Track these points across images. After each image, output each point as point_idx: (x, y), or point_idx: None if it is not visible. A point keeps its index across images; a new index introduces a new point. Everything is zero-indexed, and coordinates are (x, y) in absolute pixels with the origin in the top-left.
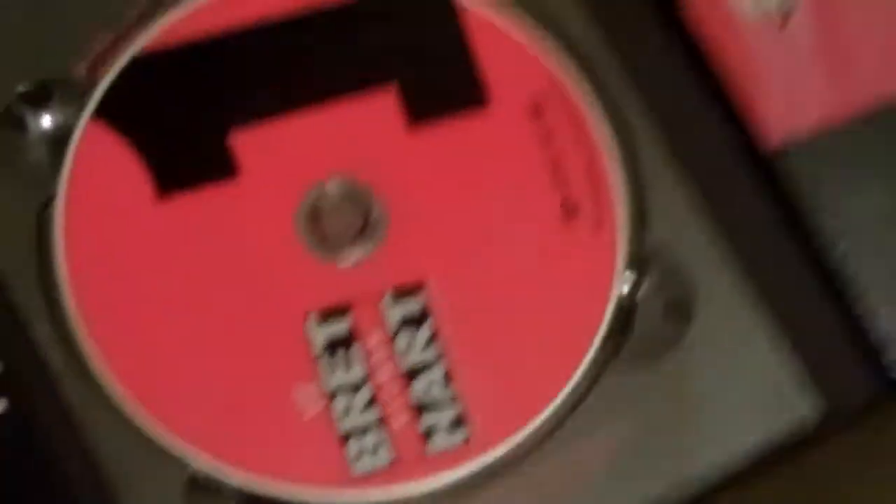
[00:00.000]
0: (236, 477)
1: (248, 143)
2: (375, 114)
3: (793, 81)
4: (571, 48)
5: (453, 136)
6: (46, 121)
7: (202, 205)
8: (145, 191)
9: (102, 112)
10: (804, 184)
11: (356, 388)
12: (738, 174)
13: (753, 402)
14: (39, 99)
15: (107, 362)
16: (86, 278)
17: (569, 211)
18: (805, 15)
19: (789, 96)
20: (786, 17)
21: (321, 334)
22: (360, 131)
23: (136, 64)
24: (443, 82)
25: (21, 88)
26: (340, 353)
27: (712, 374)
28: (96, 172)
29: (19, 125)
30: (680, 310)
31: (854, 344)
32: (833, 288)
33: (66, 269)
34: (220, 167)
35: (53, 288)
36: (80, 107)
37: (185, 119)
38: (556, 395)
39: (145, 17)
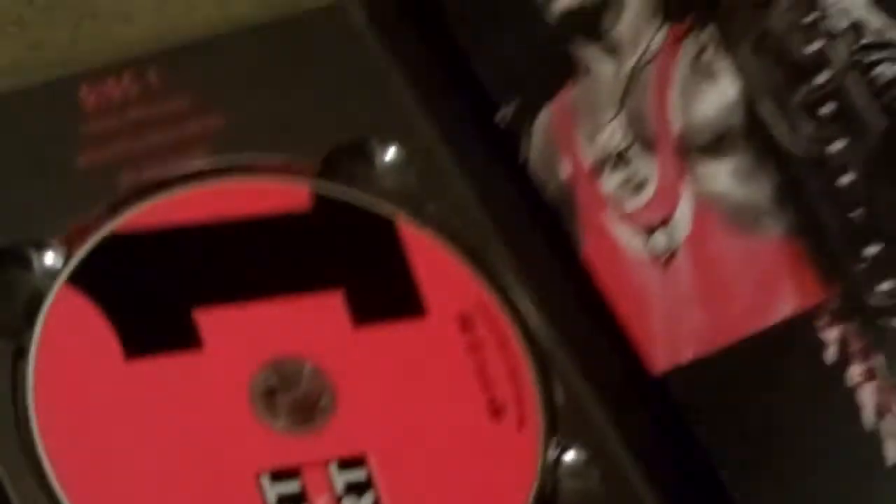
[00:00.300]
0: None
1: (211, 320)
2: (325, 311)
3: (675, 315)
4: (493, 277)
5: (394, 336)
6: (34, 265)
7: (166, 369)
8: (113, 351)
9: (76, 279)
10: (686, 403)
11: None
12: (631, 392)
13: None
14: (27, 250)
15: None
16: (54, 423)
17: (495, 410)
18: (685, 257)
19: (672, 328)
20: (670, 258)
21: (274, 492)
22: (311, 322)
23: (110, 242)
24: (385, 293)
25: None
26: None
27: None
28: (67, 330)
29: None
30: (592, 487)
31: None
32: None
33: (35, 414)
34: (185, 338)
35: (25, 427)
36: (59, 267)
37: (153, 294)
38: None
39: (120, 204)
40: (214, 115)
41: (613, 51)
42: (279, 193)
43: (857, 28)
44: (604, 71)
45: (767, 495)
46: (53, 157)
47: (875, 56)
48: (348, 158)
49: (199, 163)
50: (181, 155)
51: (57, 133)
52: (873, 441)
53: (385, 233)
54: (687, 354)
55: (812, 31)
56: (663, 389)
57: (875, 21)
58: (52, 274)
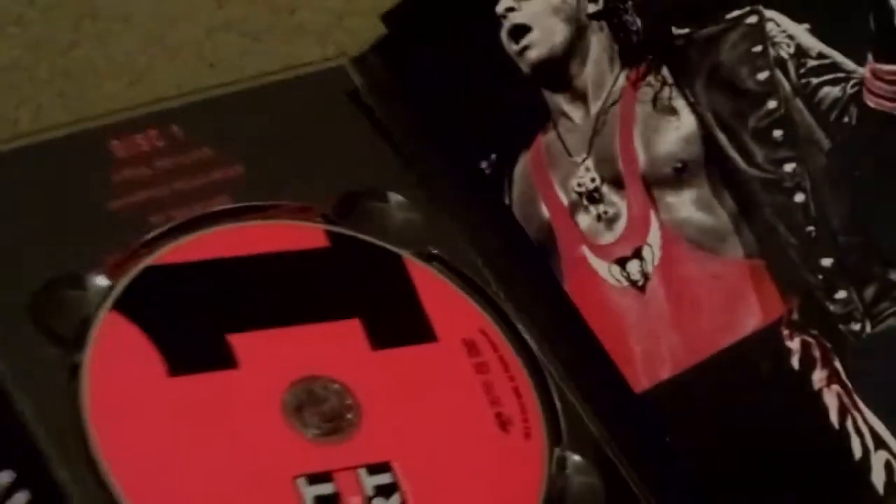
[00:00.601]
0: None
1: (244, 343)
2: (345, 337)
3: (652, 337)
4: (492, 307)
5: (409, 359)
6: (84, 292)
7: (207, 386)
8: (158, 368)
9: (120, 306)
10: (669, 417)
11: None
12: (618, 407)
13: None
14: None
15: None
16: (109, 434)
17: (503, 423)
18: (657, 283)
19: (650, 349)
20: (644, 284)
21: (311, 493)
22: (334, 346)
23: (148, 273)
24: (398, 322)
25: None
26: None
27: None
28: (115, 350)
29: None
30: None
31: None
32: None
33: (91, 425)
34: (222, 359)
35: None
36: (104, 294)
37: (189, 320)
38: None
39: (158, 239)
40: (235, 166)
41: (580, 97)
42: (299, 232)
43: (800, 54)
44: (573, 116)
45: (743, 493)
46: (88, 201)
47: (818, 79)
48: (358, 202)
49: (226, 205)
50: (205, 200)
51: (90, 179)
52: (840, 439)
53: (394, 268)
54: (665, 372)
55: (760, 60)
56: (646, 406)
57: (816, 45)
58: (97, 302)
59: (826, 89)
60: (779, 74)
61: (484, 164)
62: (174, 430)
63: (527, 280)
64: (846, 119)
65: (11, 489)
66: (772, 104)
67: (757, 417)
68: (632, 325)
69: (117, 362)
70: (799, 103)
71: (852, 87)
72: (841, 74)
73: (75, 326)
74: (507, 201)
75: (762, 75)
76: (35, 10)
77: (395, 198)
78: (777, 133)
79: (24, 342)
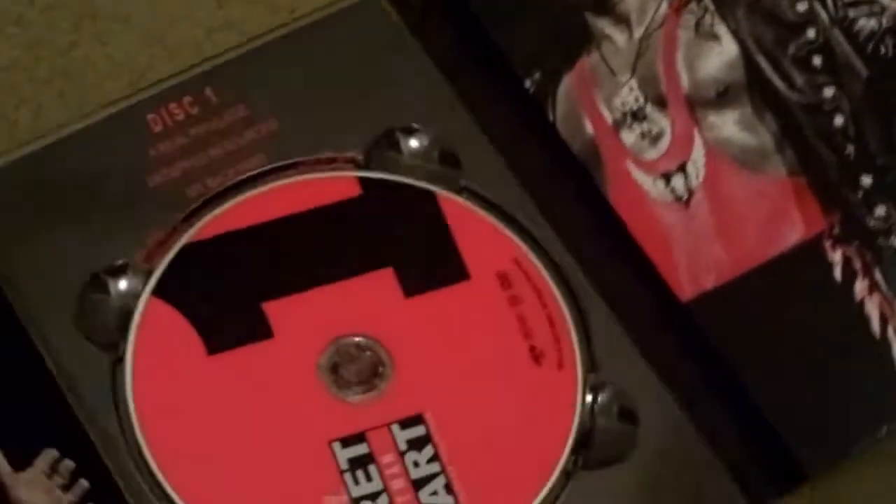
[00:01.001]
0: None
1: (278, 310)
2: (378, 288)
3: (696, 249)
4: (526, 234)
5: (443, 302)
6: (120, 286)
7: (244, 359)
8: (197, 349)
9: (159, 291)
10: (714, 325)
11: (375, 496)
12: (659, 319)
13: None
14: (115, 273)
15: (172, 482)
16: (152, 416)
17: (536, 356)
18: (701, 197)
19: (694, 261)
20: (688, 199)
21: (345, 455)
22: (367, 300)
23: (184, 253)
24: (430, 264)
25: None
26: (361, 469)
27: (655, 475)
28: (156, 336)
29: (102, 289)
30: (629, 416)
31: (768, 444)
32: (749, 402)
33: (135, 408)
34: (258, 330)
35: (127, 422)
36: (143, 283)
37: (225, 294)
38: (534, 498)
39: (190, 216)
40: (269, 121)
41: (624, 21)
42: (330, 184)
43: None
44: (616, 40)
45: (786, 403)
46: (127, 182)
47: (856, 12)
48: (389, 144)
49: (253, 169)
50: (241, 163)
51: (128, 159)
52: (882, 346)
53: (426, 206)
54: (709, 283)
55: None
56: (690, 315)
57: None
58: (136, 294)
59: (863, 21)
60: (817, 6)
61: (528, 83)
62: (213, 407)
63: (570, 197)
64: (883, 51)
65: (74, 477)
66: (811, 34)
67: (800, 327)
68: (676, 237)
69: (159, 350)
70: (837, 34)
71: (888, 20)
72: (877, 8)
73: (118, 317)
74: (550, 120)
75: (801, 6)
76: (35, 10)
77: (426, 133)
78: (816, 60)
79: (70, 337)
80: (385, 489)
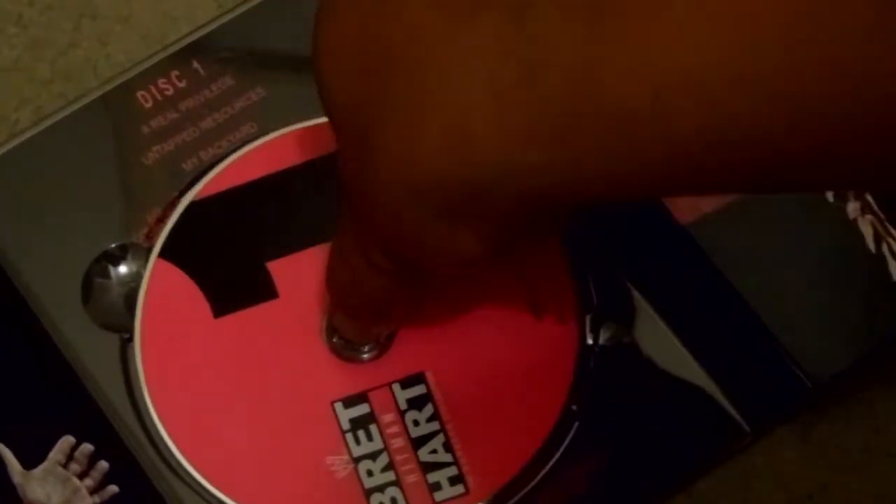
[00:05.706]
0: None
1: (284, 269)
2: None
3: None
4: None
5: None
6: (123, 269)
7: (249, 320)
8: (204, 312)
9: (166, 253)
10: (715, 246)
11: (376, 455)
12: (658, 245)
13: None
14: (119, 255)
15: (181, 448)
16: (161, 379)
17: (537, 311)
18: None
19: None
20: None
21: (346, 416)
22: None
23: (189, 211)
24: None
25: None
26: (362, 429)
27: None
28: (164, 299)
29: (105, 274)
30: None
31: (769, 362)
32: (751, 321)
33: (144, 371)
34: (263, 291)
35: (136, 388)
36: (145, 261)
37: (230, 256)
38: (530, 456)
39: (189, 183)
40: (256, 89)
41: None
42: (325, 134)
43: None
44: None
45: (786, 320)
46: (124, 162)
47: None
48: None
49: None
50: (232, 133)
51: (122, 138)
52: (877, 263)
53: None
54: (708, 206)
55: None
56: (689, 237)
57: None
58: (140, 273)
59: None
60: None
61: None
62: (220, 369)
63: None
64: None
65: (92, 461)
66: None
67: (798, 248)
68: None
69: (167, 317)
70: None
71: None
72: None
73: (125, 298)
74: None
75: None
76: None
77: None
78: None
79: (80, 322)
80: (385, 448)
